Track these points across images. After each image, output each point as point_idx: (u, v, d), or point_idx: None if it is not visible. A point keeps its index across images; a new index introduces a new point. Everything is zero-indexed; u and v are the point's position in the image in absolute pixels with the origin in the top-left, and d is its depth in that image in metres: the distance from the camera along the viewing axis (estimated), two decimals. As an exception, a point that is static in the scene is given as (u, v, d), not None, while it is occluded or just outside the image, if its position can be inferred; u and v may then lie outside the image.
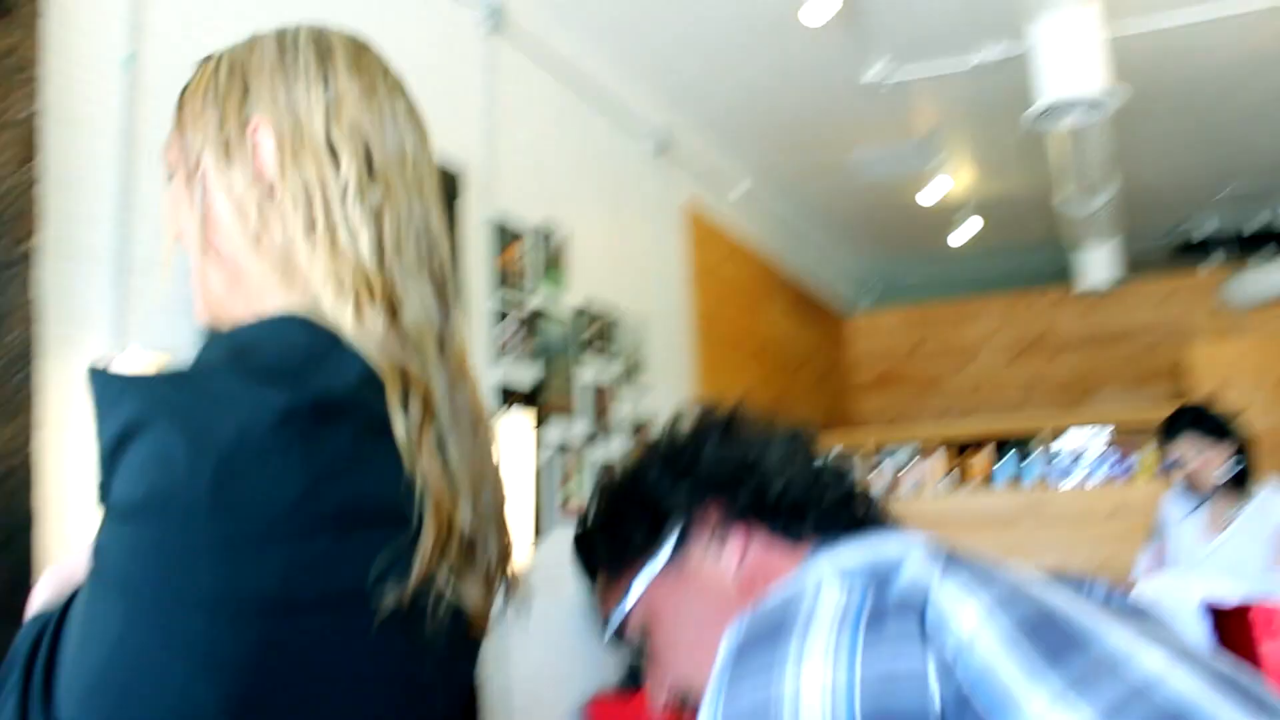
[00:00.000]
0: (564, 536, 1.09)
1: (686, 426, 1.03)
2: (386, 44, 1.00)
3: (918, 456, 4.57)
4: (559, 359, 3.64)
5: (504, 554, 0.85)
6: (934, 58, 4.32)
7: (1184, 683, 0.69)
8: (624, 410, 4.06)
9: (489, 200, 3.31)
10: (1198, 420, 3.39)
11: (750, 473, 0.95)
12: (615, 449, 3.90)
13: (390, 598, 0.72)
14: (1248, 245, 7.06)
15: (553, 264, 3.69)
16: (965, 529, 4.20)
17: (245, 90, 0.84)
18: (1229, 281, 6.84)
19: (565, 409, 3.62)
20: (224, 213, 0.83)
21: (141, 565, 0.68)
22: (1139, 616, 0.82)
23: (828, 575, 0.76)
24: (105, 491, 0.69)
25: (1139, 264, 7.15)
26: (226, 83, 0.85)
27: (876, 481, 4.46)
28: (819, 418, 6.71)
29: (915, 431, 5.08)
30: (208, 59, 0.89)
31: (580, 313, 3.83)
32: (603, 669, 2.93)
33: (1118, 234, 6.37)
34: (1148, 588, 2.13)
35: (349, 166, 0.82)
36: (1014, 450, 4.46)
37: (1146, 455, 4.21)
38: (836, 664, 0.67)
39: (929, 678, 0.66)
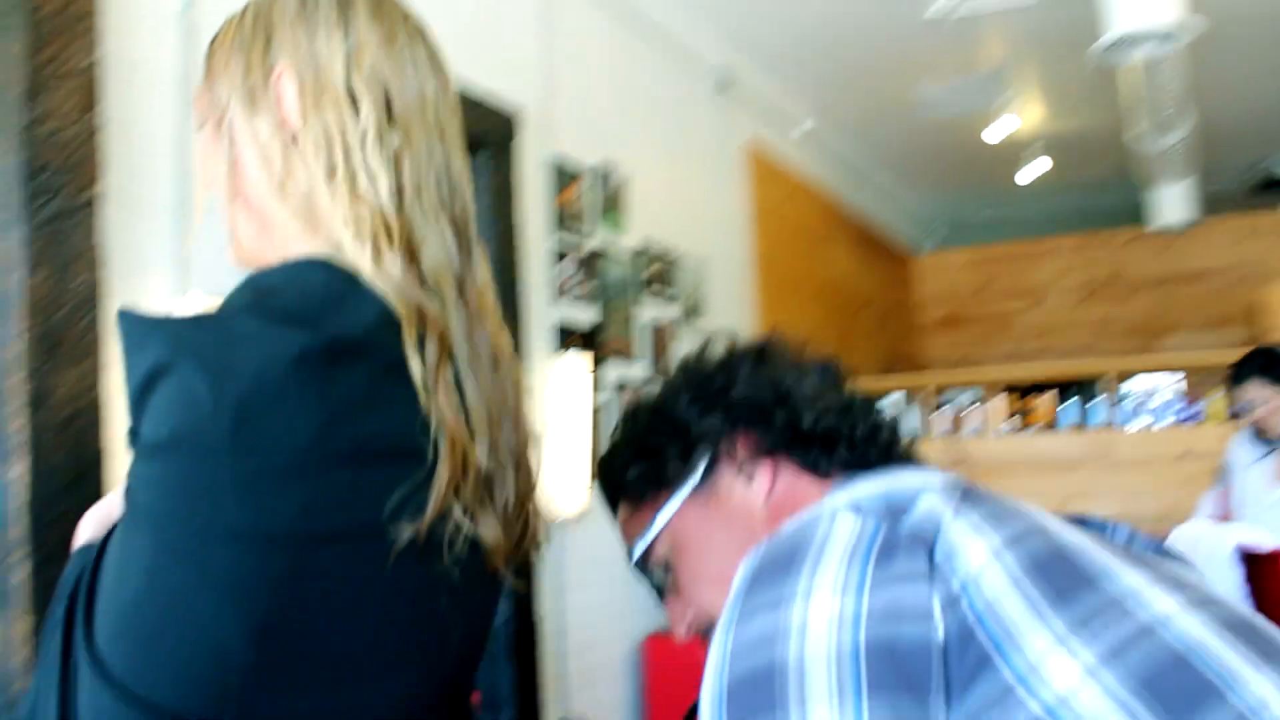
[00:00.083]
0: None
1: (718, 354, 1.02)
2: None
3: (981, 399, 4.52)
4: (618, 300, 3.65)
5: (524, 493, 0.87)
6: (1002, -10, 4.20)
7: (1192, 626, 0.68)
8: (683, 351, 4.06)
9: (547, 140, 3.30)
10: (1268, 365, 3.31)
11: (781, 405, 0.95)
12: (673, 390, 3.91)
13: (406, 532, 0.75)
14: (1331, 182, 6.82)
15: (611, 204, 3.69)
16: (1027, 473, 4.16)
17: (269, 39, 0.86)
18: (1311, 220, 6.62)
19: (624, 350, 3.64)
20: (250, 160, 0.85)
21: (168, 501, 0.72)
22: (1161, 560, 0.81)
23: (842, 508, 0.76)
24: (135, 431, 0.73)
25: (1215, 202, 6.94)
26: (251, 32, 0.87)
27: (938, 424, 4.42)
28: (882, 359, 6.66)
29: (981, 374, 5.02)
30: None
31: (639, 253, 3.83)
32: (658, 608, 2.96)
33: (1193, 171, 6.17)
34: (1183, 533, 2.10)
35: (369, 112, 0.83)
36: (1080, 393, 4.38)
37: (1217, 399, 4.12)
38: (844, 596, 0.68)
39: (933, 611, 0.67)
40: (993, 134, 5.89)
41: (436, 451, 0.77)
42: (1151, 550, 0.86)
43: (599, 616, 3.21)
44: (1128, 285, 7.37)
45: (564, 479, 3.04)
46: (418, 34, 0.91)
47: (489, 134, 2.96)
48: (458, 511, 0.78)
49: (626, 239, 3.75)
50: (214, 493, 0.70)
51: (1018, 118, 5.73)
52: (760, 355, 1.00)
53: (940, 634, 0.66)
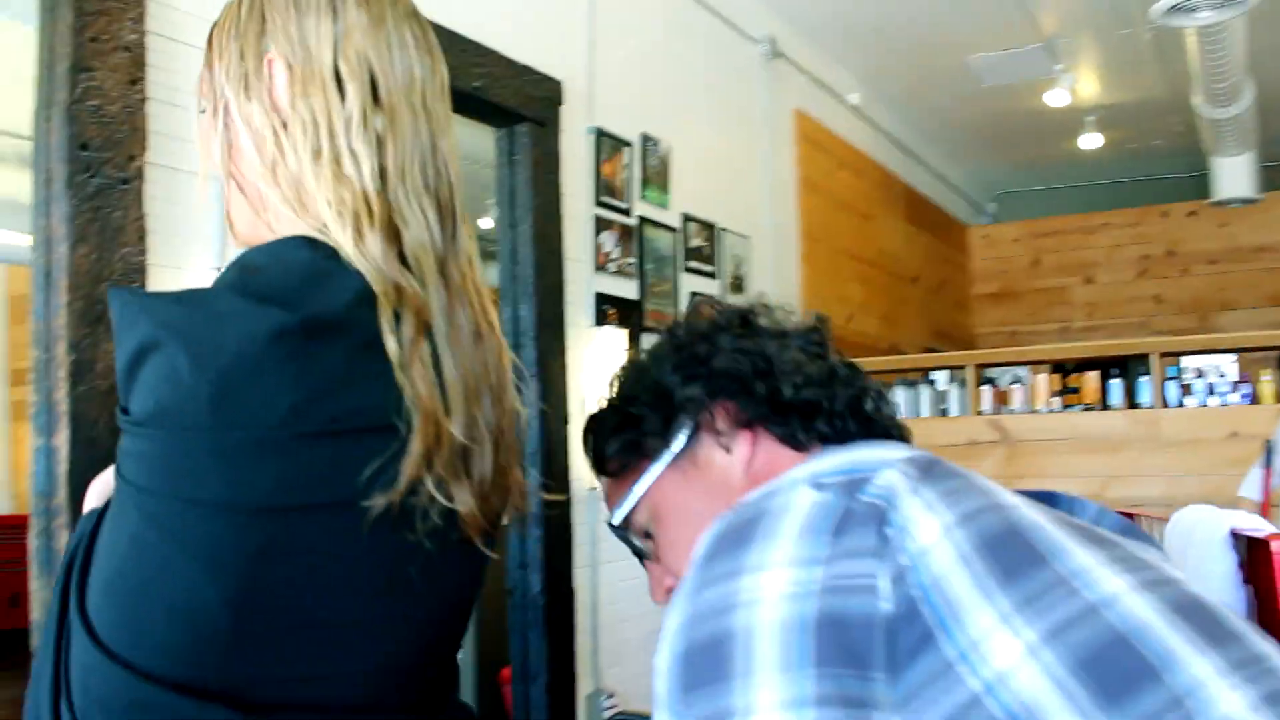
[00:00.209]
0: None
1: (705, 320, 1.01)
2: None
3: (1029, 374, 4.47)
4: (659, 272, 3.66)
5: (503, 466, 0.89)
6: (1057, -41, 4.12)
7: (1138, 606, 0.68)
8: (724, 324, 4.06)
9: (591, 113, 3.30)
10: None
11: (762, 377, 0.94)
12: (714, 363, 3.91)
13: (379, 502, 0.78)
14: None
15: (655, 177, 3.68)
16: (1071, 451, 4.11)
17: (262, 26, 0.88)
18: (1378, 195, 6.44)
19: (665, 323, 3.64)
20: (245, 144, 0.88)
21: (152, 472, 0.76)
22: (1122, 539, 0.79)
23: (803, 481, 0.76)
24: (124, 406, 0.77)
25: (1276, 177, 6.77)
26: (247, 19, 0.89)
27: (983, 401, 4.38)
28: (930, 334, 6.60)
29: (1025, 352, 4.97)
30: None
31: (683, 224, 3.83)
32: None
33: (1253, 144, 6.03)
34: (1182, 516, 2.07)
35: (354, 96, 0.85)
36: (1130, 369, 4.32)
37: (1269, 380, 4.04)
38: (797, 569, 0.69)
39: (879, 586, 0.68)
40: (1048, 104, 5.78)
41: (409, 425, 0.80)
42: (1117, 529, 0.85)
43: (632, 590, 3.24)
44: (1184, 261, 7.23)
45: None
46: (408, 17, 0.92)
47: (531, 106, 2.96)
48: (430, 484, 0.81)
49: (669, 211, 3.75)
50: (194, 466, 0.74)
51: (1074, 87, 5.62)
52: (744, 323, 1.00)
53: (887, 609, 0.67)
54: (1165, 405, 4.09)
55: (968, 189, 7.89)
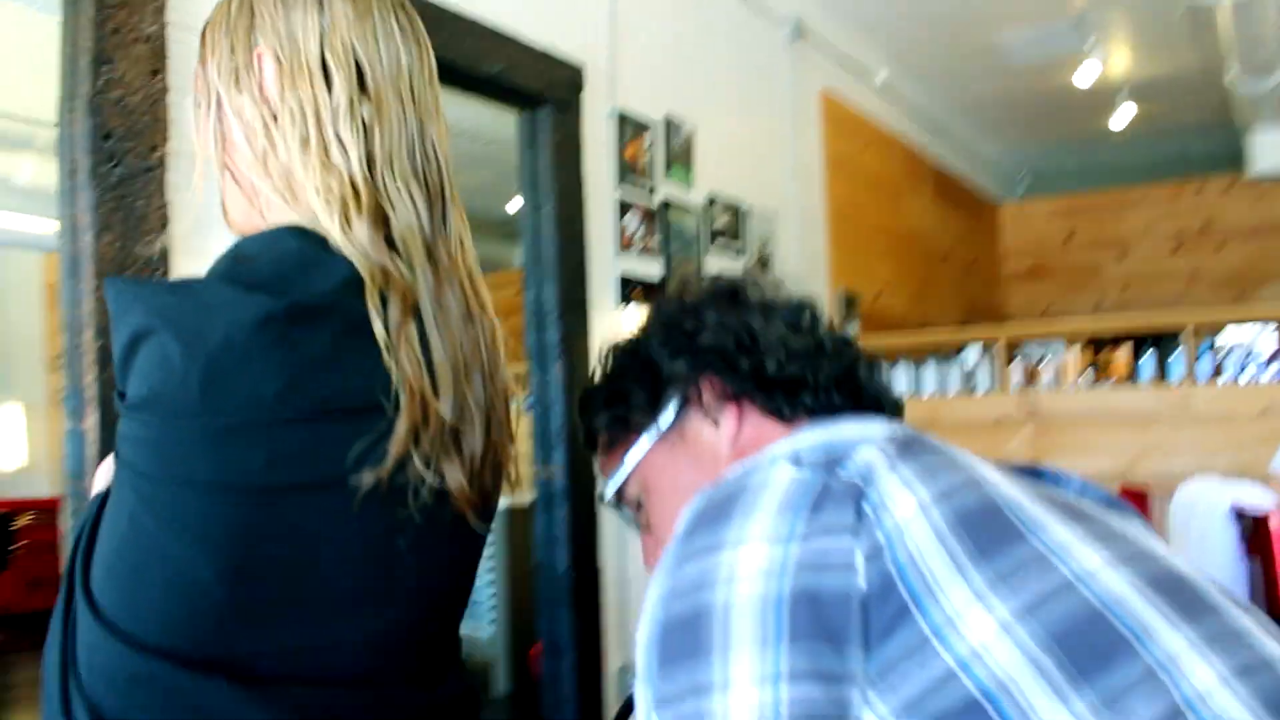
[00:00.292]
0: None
1: (692, 294, 1.02)
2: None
3: (1061, 351, 4.43)
4: (685, 253, 3.66)
5: (495, 443, 0.91)
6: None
7: (1114, 581, 0.69)
8: (750, 305, 4.06)
9: (613, 94, 3.31)
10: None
11: (746, 351, 0.95)
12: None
13: (367, 479, 0.80)
14: None
15: (680, 156, 3.68)
16: (1101, 427, 4.08)
17: (252, 20, 0.91)
18: None
19: (688, 304, 3.65)
20: (238, 136, 0.90)
21: (148, 455, 0.79)
22: (1105, 513, 0.80)
23: (782, 457, 0.77)
24: (121, 392, 0.80)
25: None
26: (237, 14, 0.92)
27: (1013, 377, 4.36)
28: (963, 312, 6.56)
29: (1055, 325, 4.93)
30: None
31: (708, 205, 3.83)
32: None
33: (1292, 116, 5.93)
34: (1186, 490, 2.06)
35: (340, 85, 0.88)
36: (1162, 346, 4.27)
37: (1304, 354, 3.99)
38: (774, 546, 0.69)
39: (855, 563, 0.69)
40: (1080, 80, 5.71)
41: (397, 405, 0.82)
42: (1101, 503, 0.85)
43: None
44: (1221, 235, 7.13)
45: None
46: (395, 7, 0.94)
47: (552, 89, 2.98)
48: (417, 460, 0.83)
49: (694, 192, 3.75)
50: (185, 448, 0.77)
51: (1106, 61, 5.54)
52: (731, 297, 1.00)
53: (863, 585, 0.68)
54: (1197, 381, 4.05)
55: (999, 167, 7.82)
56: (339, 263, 0.83)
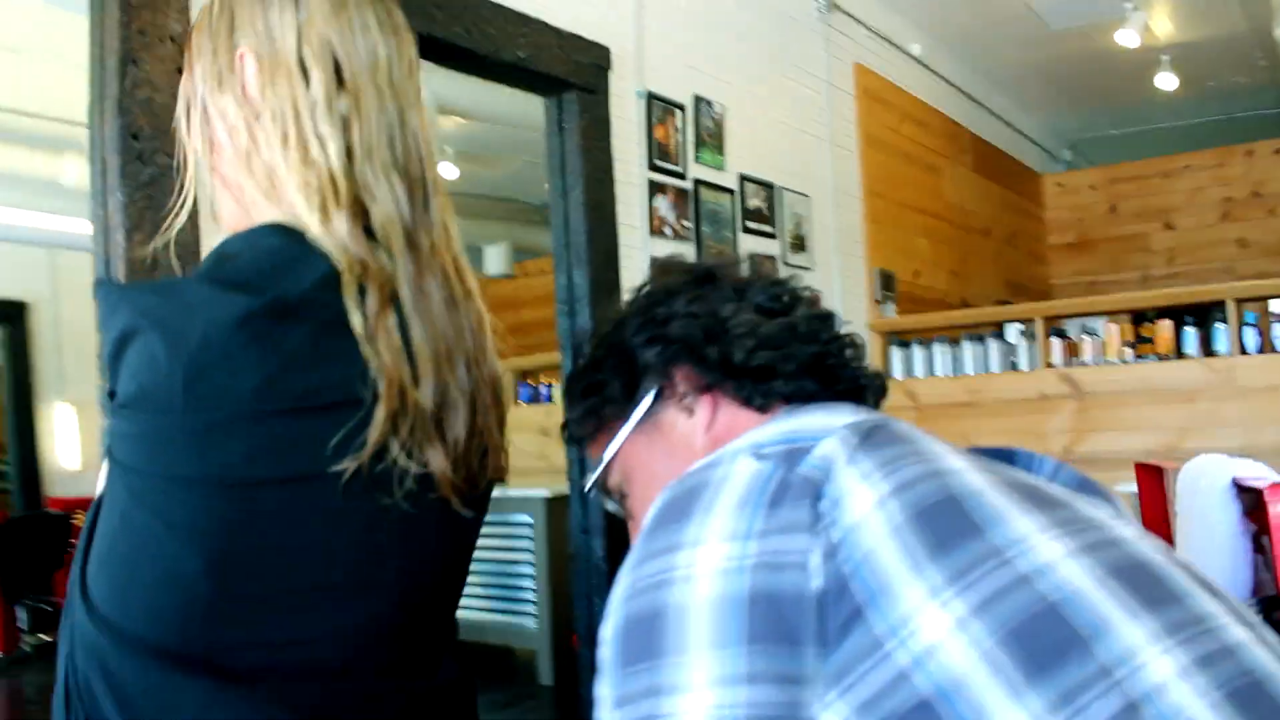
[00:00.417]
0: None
1: (667, 279, 1.00)
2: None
3: (1101, 325, 4.36)
4: (718, 233, 3.65)
5: (481, 428, 0.92)
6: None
7: (1073, 573, 0.67)
8: (785, 285, 4.04)
9: (642, 75, 3.30)
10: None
11: (714, 340, 0.93)
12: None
13: (348, 465, 0.82)
14: None
15: (710, 137, 3.67)
16: (1144, 402, 4.01)
17: (232, 23, 0.92)
18: None
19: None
20: (223, 137, 0.92)
21: (137, 451, 0.82)
22: (1076, 497, 0.78)
23: (744, 451, 0.76)
24: (112, 389, 0.82)
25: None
26: (218, 18, 0.93)
27: (1053, 352, 4.29)
28: (1005, 286, 6.49)
29: (1102, 297, 4.85)
30: None
31: (740, 185, 3.81)
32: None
33: (1342, 77, 5.79)
34: (1191, 466, 2.03)
35: (318, 81, 0.89)
36: (1208, 317, 4.19)
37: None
38: (731, 544, 0.69)
39: (810, 562, 0.68)
40: (1118, 45, 5.60)
41: (376, 394, 0.83)
42: (1073, 485, 0.83)
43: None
44: (1270, 202, 6.97)
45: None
46: (371, 0, 0.95)
47: (579, 73, 2.97)
48: (396, 448, 0.84)
49: (725, 173, 3.74)
50: (170, 444, 0.80)
51: (1144, 27, 5.43)
52: (702, 282, 0.98)
53: (820, 584, 0.67)
54: (1243, 353, 3.97)
55: (1040, 137, 7.70)
56: (318, 259, 0.84)
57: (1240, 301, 4.03)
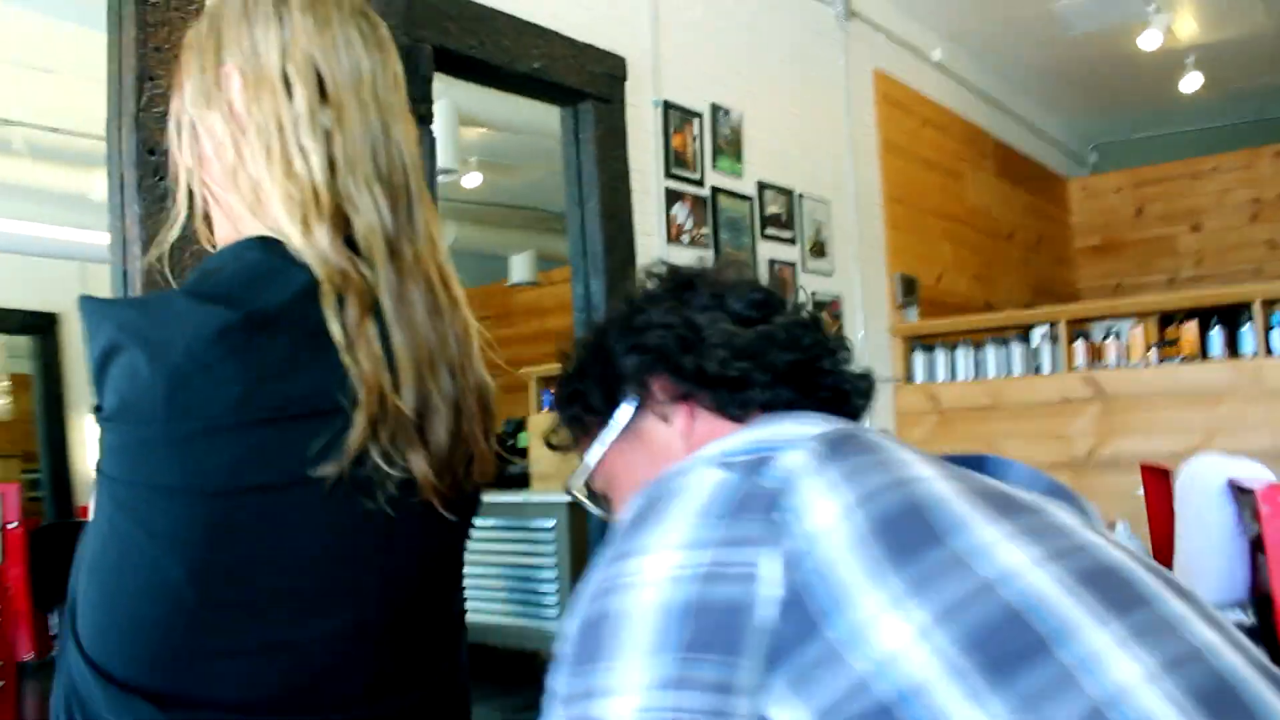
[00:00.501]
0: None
1: (649, 287, 1.01)
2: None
3: (1126, 328, 4.33)
4: (737, 240, 3.66)
5: (465, 434, 0.93)
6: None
7: (1038, 580, 0.67)
8: (805, 294, 4.04)
9: (658, 83, 3.32)
10: None
11: (688, 350, 0.93)
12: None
13: (329, 471, 0.83)
14: None
15: (728, 144, 3.68)
16: (1169, 405, 3.97)
17: (219, 40, 0.94)
18: None
19: (741, 292, 3.64)
20: (211, 154, 0.94)
21: (121, 462, 0.84)
22: (1046, 503, 0.78)
23: (709, 460, 0.77)
24: (99, 404, 0.84)
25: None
26: (205, 36, 0.95)
27: (1077, 355, 4.26)
28: (1030, 290, 6.45)
29: (1126, 300, 4.81)
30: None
31: (759, 192, 3.82)
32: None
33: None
34: (1188, 467, 2.01)
35: (301, 95, 0.91)
36: (1235, 319, 4.14)
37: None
38: (683, 553, 0.70)
39: (759, 574, 0.69)
40: (1145, 45, 5.55)
41: (356, 400, 0.85)
42: (1044, 491, 0.83)
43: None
44: (1299, 202, 6.89)
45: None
46: (354, 15, 0.97)
47: (594, 83, 2.99)
48: (376, 453, 0.86)
49: (743, 180, 3.74)
50: (154, 454, 0.82)
51: (1168, 29, 5.39)
52: (682, 289, 0.99)
53: (778, 594, 0.68)
54: (1270, 354, 3.93)
55: (1064, 141, 7.65)
56: (298, 271, 0.86)
57: (1267, 303, 3.98)
